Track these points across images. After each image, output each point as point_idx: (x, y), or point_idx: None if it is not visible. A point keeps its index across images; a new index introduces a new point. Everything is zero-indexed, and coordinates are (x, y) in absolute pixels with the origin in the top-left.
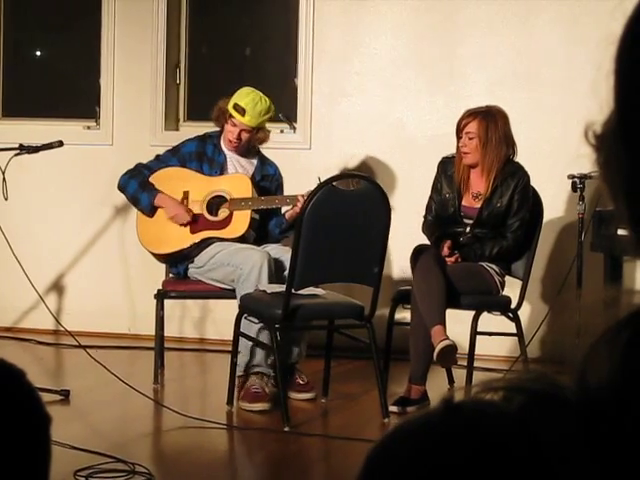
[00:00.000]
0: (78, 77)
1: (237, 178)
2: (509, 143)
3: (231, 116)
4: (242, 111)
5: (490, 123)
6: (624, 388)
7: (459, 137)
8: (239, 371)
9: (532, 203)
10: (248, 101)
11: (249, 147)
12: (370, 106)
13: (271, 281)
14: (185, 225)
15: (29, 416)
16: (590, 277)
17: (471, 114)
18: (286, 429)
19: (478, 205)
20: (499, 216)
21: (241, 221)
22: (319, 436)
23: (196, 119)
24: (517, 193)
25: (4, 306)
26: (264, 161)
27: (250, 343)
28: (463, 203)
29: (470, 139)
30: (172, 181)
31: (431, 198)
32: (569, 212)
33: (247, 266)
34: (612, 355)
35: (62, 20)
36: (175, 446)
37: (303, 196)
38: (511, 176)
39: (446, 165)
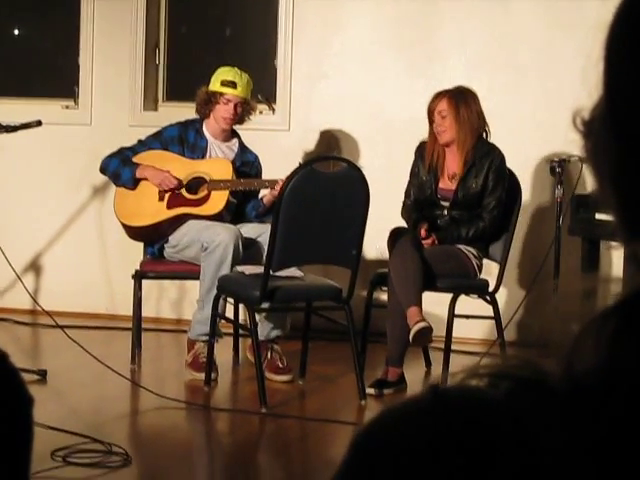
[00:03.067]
0: (57, 56)
1: (218, 161)
2: (481, 119)
3: (222, 94)
4: (233, 84)
5: (460, 100)
6: (610, 376)
7: (432, 120)
8: (192, 335)
9: (510, 185)
10: (233, 74)
11: (238, 121)
12: (349, 88)
13: (237, 260)
14: (168, 193)
15: (12, 397)
16: (567, 261)
17: (440, 94)
18: (263, 410)
19: (454, 186)
20: (475, 196)
21: (218, 200)
22: (296, 418)
23: (175, 99)
24: (492, 172)
25: None
26: (244, 149)
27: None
28: (440, 185)
29: (443, 117)
30: (154, 162)
31: (410, 183)
32: (547, 196)
33: (214, 242)
34: (598, 344)
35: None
36: (152, 427)
37: (282, 180)
38: (485, 156)
39: (423, 149)
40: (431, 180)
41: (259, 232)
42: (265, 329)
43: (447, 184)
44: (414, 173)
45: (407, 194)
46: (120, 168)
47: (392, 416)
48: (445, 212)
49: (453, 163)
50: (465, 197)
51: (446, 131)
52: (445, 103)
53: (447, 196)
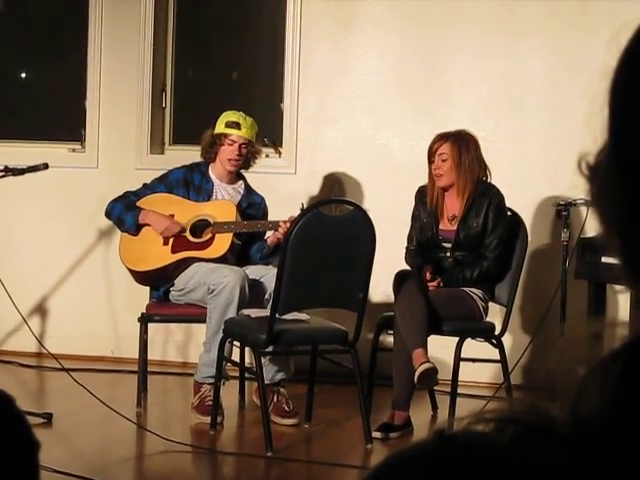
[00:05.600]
0: (63, 100)
1: (222, 204)
2: (481, 165)
3: (226, 136)
4: (237, 125)
5: (462, 146)
6: (616, 421)
7: (431, 161)
8: (198, 378)
9: (515, 227)
10: (237, 116)
11: (244, 165)
12: (356, 131)
13: (243, 302)
14: (172, 237)
15: (19, 442)
16: (574, 304)
17: (442, 137)
18: (269, 454)
19: (454, 228)
20: (476, 237)
21: (222, 243)
22: (302, 462)
23: (182, 143)
24: (491, 211)
25: None
26: (251, 190)
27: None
28: (440, 227)
29: (443, 161)
30: (158, 205)
31: (412, 228)
32: (553, 239)
33: (220, 284)
34: (604, 388)
35: (48, 42)
36: (158, 470)
37: (285, 222)
38: (483, 195)
39: (422, 194)
40: (431, 222)
41: (262, 273)
42: (270, 372)
43: (447, 225)
44: (415, 217)
45: (409, 239)
46: (123, 214)
47: (398, 462)
48: (448, 254)
49: (452, 205)
50: (467, 238)
51: (444, 175)
52: (447, 147)
53: (448, 237)
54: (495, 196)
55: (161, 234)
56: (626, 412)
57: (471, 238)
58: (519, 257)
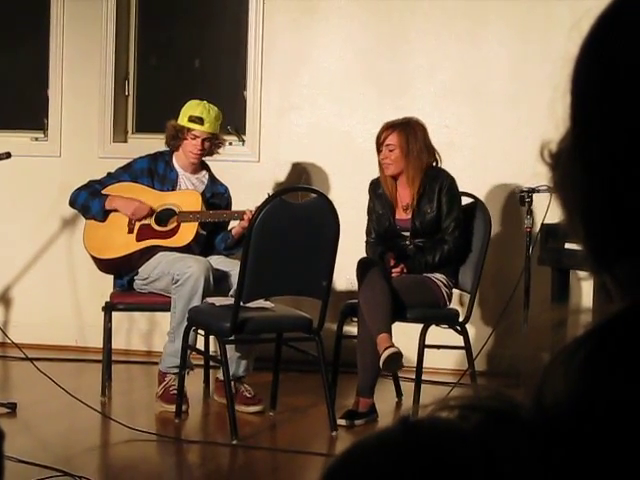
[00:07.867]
0: (26, 88)
1: (187, 193)
2: (430, 152)
3: (189, 130)
4: (200, 120)
5: (410, 134)
6: (579, 407)
7: (379, 151)
8: (163, 368)
9: (477, 213)
10: (201, 109)
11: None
12: (319, 119)
13: (207, 293)
14: (138, 225)
15: None
16: (537, 291)
17: (390, 127)
18: (234, 442)
19: (409, 216)
20: (432, 222)
21: (187, 232)
22: (267, 449)
23: (145, 131)
24: (444, 195)
25: None
26: (214, 180)
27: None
28: (397, 217)
29: (390, 151)
30: (124, 194)
31: (369, 221)
32: (516, 226)
33: (185, 274)
34: (568, 374)
35: (10, 31)
36: (122, 459)
37: (251, 211)
38: (433, 180)
39: (375, 186)
40: (387, 212)
41: (231, 267)
42: (231, 368)
43: (402, 215)
44: (370, 210)
45: (368, 232)
46: (89, 200)
47: (362, 449)
48: (408, 242)
49: (404, 194)
50: (422, 224)
51: (392, 165)
52: (395, 137)
53: (405, 226)
54: (445, 179)
55: (131, 216)
56: (590, 399)
57: (427, 224)
58: (482, 244)
